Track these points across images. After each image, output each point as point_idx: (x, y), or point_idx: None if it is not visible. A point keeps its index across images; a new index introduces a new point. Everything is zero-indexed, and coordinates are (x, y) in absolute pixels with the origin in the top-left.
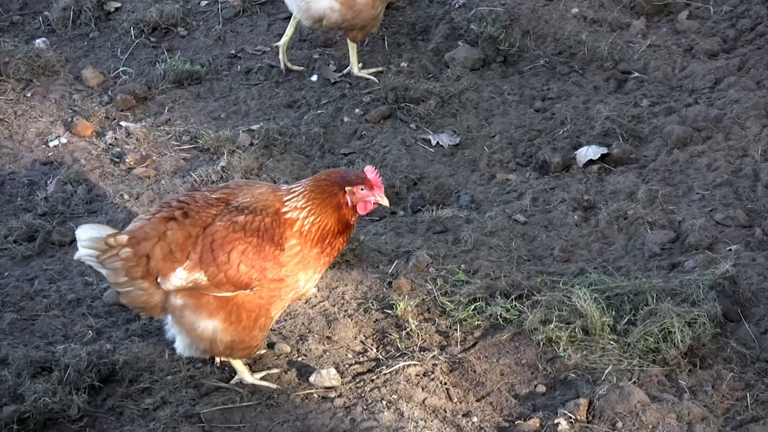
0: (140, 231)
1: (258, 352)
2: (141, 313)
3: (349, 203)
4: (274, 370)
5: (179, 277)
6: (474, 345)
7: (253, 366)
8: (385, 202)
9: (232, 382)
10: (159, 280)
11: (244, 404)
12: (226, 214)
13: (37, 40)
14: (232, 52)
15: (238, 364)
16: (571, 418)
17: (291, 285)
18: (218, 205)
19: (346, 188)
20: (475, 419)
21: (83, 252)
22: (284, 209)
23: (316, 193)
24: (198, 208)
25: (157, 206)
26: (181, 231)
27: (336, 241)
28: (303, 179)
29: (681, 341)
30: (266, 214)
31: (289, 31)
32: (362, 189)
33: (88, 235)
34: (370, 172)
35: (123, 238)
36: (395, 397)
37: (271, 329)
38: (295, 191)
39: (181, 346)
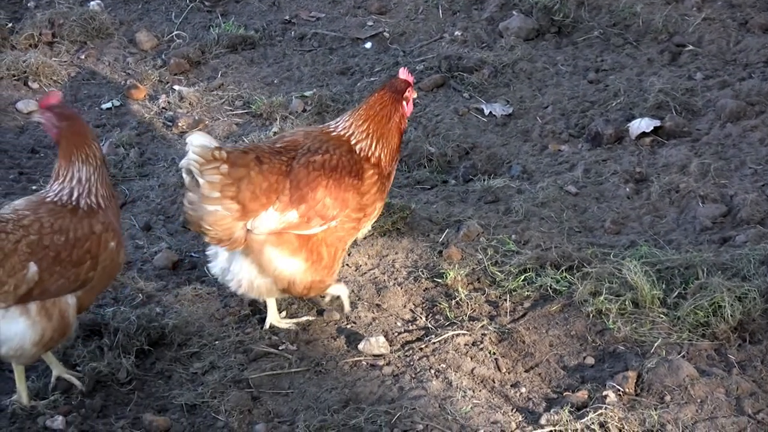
0: (233, 155)
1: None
2: (213, 240)
3: (405, 109)
4: (304, 318)
5: (272, 218)
6: (523, 315)
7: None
8: (415, 95)
9: (265, 327)
10: (248, 224)
11: (293, 370)
12: (301, 157)
13: (92, 2)
14: (287, 17)
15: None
16: (619, 390)
17: (370, 213)
18: (286, 153)
19: (402, 99)
20: (523, 390)
21: (191, 157)
22: (353, 142)
23: (378, 118)
24: (269, 155)
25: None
26: (261, 176)
27: (397, 155)
28: (348, 112)
29: (731, 316)
30: (341, 152)
31: None
32: (408, 92)
33: (200, 141)
34: (405, 73)
35: (224, 153)
36: (443, 366)
37: (321, 296)
38: (353, 124)
39: (249, 285)
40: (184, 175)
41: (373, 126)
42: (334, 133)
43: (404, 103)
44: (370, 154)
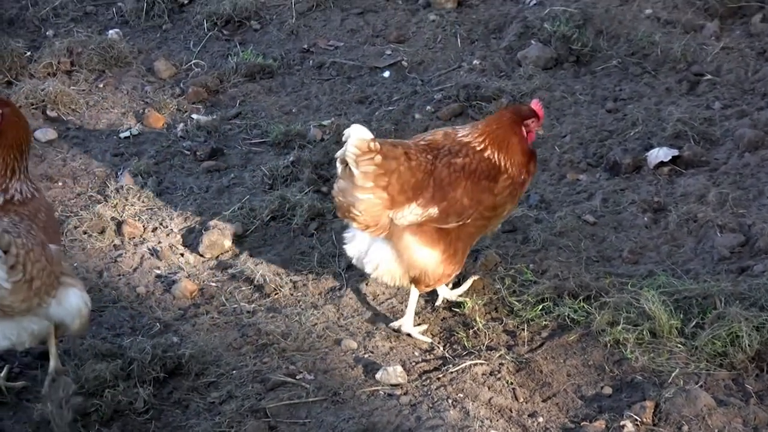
0: (385, 147)
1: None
2: (361, 225)
3: (525, 135)
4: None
5: (415, 212)
6: (541, 345)
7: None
8: (541, 131)
9: (437, 303)
10: (391, 214)
11: (310, 400)
12: (443, 158)
13: (110, 31)
14: (305, 46)
15: (443, 289)
16: (637, 420)
17: (500, 214)
18: (430, 152)
19: (523, 125)
20: (540, 419)
21: (350, 148)
22: (478, 149)
23: (494, 135)
24: (416, 153)
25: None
26: (409, 172)
27: (530, 168)
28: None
29: (748, 345)
30: (479, 157)
31: None
32: (533, 121)
33: (358, 133)
34: (535, 104)
35: (378, 145)
36: (461, 395)
37: (338, 325)
38: (471, 134)
39: (384, 269)
40: (338, 165)
41: (489, 139)
42: (464, 140)
43: (523, 128)
44: (498, 162)
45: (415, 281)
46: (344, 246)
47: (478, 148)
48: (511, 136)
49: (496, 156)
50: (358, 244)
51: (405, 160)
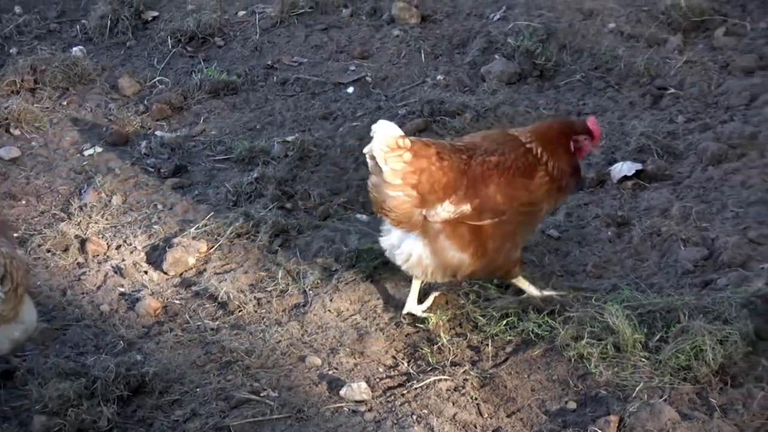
0: (416, 145)
1: (513, 278)
2: (393, 222)
3: (572, 148)
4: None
5: (447, 210)
6: (505, 360)
7: None
8: (597, 152)
9: (522, 296)
10: (425, 211)
11: (274, 417)
12: (478, 157)
13: (74, 49)
14: (269, 62)
15: (520, 282)
16: None
17: (535, 212)
18: (466, 152)
19: (572, 138)
20: None
21: (376, 144)
22: (529, 146)
23: (548, 143)
24: (449, 153)
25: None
26: (441, 172)
27: (570, 182)
28: (534, 124)
29: (712, 359)
30: (516, 154)
31: None
32: (585, 138)
33: (385, 129)
34: (592, 122)
35: (408, 142)
36: (425, 411)
37: (303, 342)
38: (531, 139)
39: (416, 263)
40: (368, 160)
41: (536, 135)
42: (510, 134)
43: (572, 142)
44: (540, 158)
45: (454, 277)
46: (379, 238)
47: (524, 140)
48: (559, 142)
49: (539, 151)
50: (390, 238)
51: (437, 159)
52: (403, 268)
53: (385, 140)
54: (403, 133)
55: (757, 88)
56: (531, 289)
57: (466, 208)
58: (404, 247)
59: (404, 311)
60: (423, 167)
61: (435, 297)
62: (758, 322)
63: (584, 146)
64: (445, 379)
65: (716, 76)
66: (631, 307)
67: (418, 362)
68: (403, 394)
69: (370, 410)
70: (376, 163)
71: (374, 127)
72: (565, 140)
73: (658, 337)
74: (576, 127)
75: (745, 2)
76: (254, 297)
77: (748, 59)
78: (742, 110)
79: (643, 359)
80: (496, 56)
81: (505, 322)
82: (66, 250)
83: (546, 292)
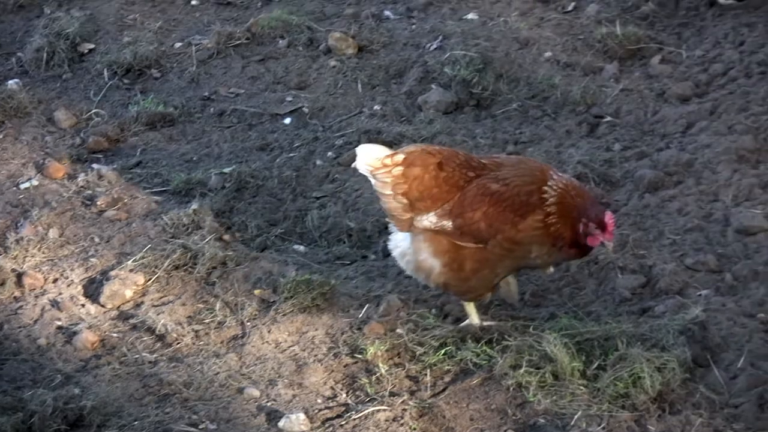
0: (411, 156)
1: (482, 300)
2: (392, 222)
3: (580, 230)
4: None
5: (430, 220)
6: (444, 390)
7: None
8: (610, 247)
9: (461, 324)
10: (414, 216)
11: None
12: (483, 178)
13: (10, 81)
14: (206, 94)
15: (469, 307)
16: None
17: (521, 252)
18: (479, 169)
19: (582, 219)
20: None
21: (362, 167)
22: (544, 188)
23: (563, 204)
24: (455, 166)
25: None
26: (435, 181)
27: (569, 250)
28: (567, 174)
29: (650, 386)
30: (521, 190)
31: None
32: (596, 228)
33: (366, 155)
34: (609, 218)
35: (400, 157)
36: None
37: (241, 373)
38: (553, 188)
39: (406, 264)
40: None
41: (559, 194)
42: (540, 171)
43: (580, 227)
44: (546, 207)
45: (427, 281)
46: (389, 236)
47: (546, 184)
48: (571, 213)
49: (551, 201)
50: (393, 238)
51: (435, 169)
52: (399, 264)
53: (368, 162)
54: (389, 153)
55: (693, 115)
56: (474, 317)
57: (448, 224)
58: (399, 247)
59: (470, 323)
60: (416, 175)
61: (371, 327)
62: (695, 348)
63: (594, 234)
64: (384, 410)
65: (652, 103)
66: (569, 335)
67: (357, 393)
68: (341, 425)
69: None
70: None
71: (357, 150)
72: (577, 215)
73: (596, 365)
74: (589, 212)
75: (681, 30)
76: (192, 329)
77: (684, 87)
78: (678, 137)
79: (582, 387)
80: (433, 86)
81: (443, 351)
82: (2, 284)
83: (486, 323)
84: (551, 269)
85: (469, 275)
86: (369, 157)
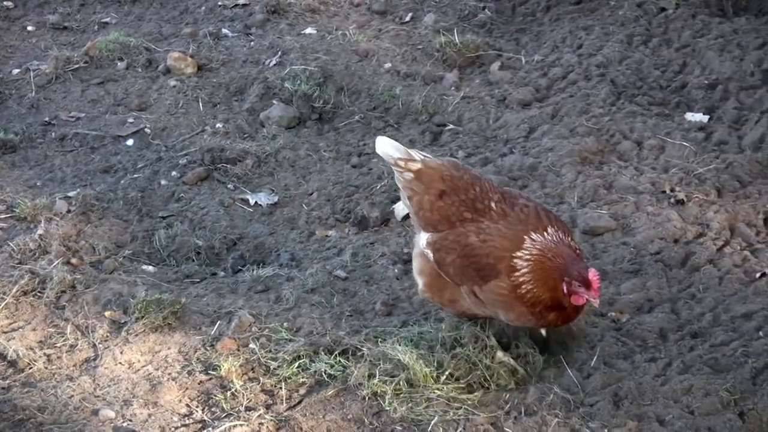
0: (423, 171)
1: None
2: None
3: (565, 291)
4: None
5: (424, 239)
6: (299, 402)
7: None
8: (596, 304)
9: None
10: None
11: None
12: (472, 225)
13: None
14: (46, 119)
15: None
16: None
17: (485, 309)
18: (481, 214)
19: (566, 278)
20: None
21: (386, 156)
22: (515, 259)
23: (540, 269)
24: (458, 198)
25: (445, 159)
26: (431, 206)
27: (547, 313)
28: (551, 234)
29: (505, 387)
30: (492, 255)
31: None
32: (579, 286)
33: (383, 147)
34: (593, 275)
35: (414, 165)
36: None
37: (95, 395)
38: (525, 256)
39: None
40: None
41: (533, 255)
42: (521, 235)
43: (564, 284)
44: (511, 272)
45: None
46: None
47: (514, 259)
48: (551, 274)
49: (521, 265)
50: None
51: (435, 196)
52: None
53: (384, 154)
54: (405, 156)
55: (535, 120)
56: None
57: (430, 254)
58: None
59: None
60: (419, 191)
61: (223, 343)
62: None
63: (578, 293)
64: (241, 425)
65: (494, 110)
66: (420, 342)
67: (213, 409)
68: None
69: None
70: None
71: (377, 141)
72: (558, 275)
73: (448, 372)
74: (571, 271)
75: (519, 36)
76: (44, 353)
77: (524, 92)
78: (521, 142)
79: (436, 391)
80: (275, 101)
81: (297, 364)
82: None
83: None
84: (542, 331)
85: (446, 304)
86: (384, 152)
